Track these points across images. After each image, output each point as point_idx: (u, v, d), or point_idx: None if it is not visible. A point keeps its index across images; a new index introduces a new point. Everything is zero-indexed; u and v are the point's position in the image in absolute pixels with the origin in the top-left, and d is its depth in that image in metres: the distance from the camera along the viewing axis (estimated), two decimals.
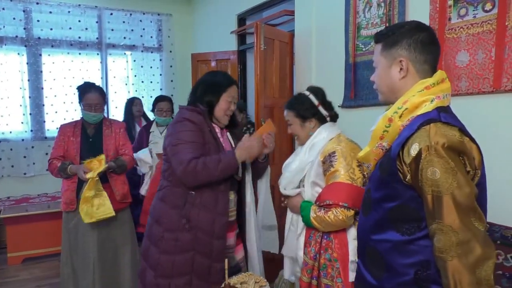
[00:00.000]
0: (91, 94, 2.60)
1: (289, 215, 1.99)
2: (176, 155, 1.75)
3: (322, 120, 1.88)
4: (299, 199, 1.87)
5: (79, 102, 2.65)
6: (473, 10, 1.95)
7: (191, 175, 1.72)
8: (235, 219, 1.99)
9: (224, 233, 1.85)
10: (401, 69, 1.22)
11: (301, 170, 1.87)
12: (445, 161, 1.06)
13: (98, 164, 2.51)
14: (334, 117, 1.92)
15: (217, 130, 1.92)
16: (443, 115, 1.14)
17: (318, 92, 1.92)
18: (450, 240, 1.04)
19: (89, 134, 2.68)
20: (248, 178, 2.02)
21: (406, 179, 1.14)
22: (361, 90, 2.61)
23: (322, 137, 1.84)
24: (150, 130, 3.57)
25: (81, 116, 2.69)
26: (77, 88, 2.67)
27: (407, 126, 1.16)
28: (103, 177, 2.57)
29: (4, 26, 4.27)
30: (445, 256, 1.05)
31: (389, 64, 1.24)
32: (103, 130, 2.71)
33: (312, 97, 1.88)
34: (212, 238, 1.80)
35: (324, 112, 1.88)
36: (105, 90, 4.64)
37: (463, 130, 1.14)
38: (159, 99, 3.58)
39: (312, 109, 1.86)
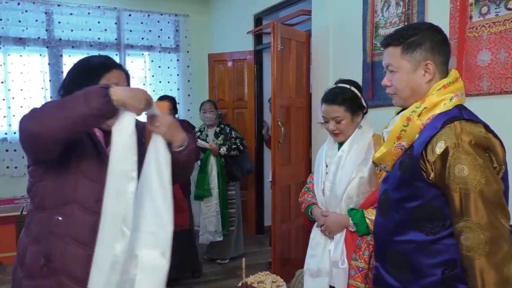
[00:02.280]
0: None
1: (316, 229, 1.91)
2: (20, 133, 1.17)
3: (364, 113, 1.84)
4: (338, 213, 1.79)
5: None
6: (495, 8, 1.91)
7: (28, 120, 1.14)
8: None
9: None
10: (425, 72, 1.21)
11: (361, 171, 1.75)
12: (473, 158, 1.06)
13: None
14: (367, 110, 1.89)
15: (98, 134, 1.35)
16: (465, 112, 1.15)
17: (356, 84, 1.87)
18: (478, 238, 1.04)
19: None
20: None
21: (430, 178, 1.13)
22: (379, 90, 2.59)
23: (369, 132, 1.80)
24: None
25: None
26: None
27: (428, 125, 1.16)
28: None
29: (27, 28, 4.37)
30: (472, 254, 1.05)
31: (414, 67, 1.22)
32: None
33: (354, 89, 1.82)
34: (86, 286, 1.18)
35: (364, 104, 1.84)
36: None
37: (486, 126, 1.14)
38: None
39: (359, 101, 1.80)
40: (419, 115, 1.18)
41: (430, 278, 1.16)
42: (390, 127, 1.28)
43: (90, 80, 1.28)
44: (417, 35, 1.21)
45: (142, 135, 1.30)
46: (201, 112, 3.85)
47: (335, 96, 1.79)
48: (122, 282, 1.14)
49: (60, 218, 1.25)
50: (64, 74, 4.31)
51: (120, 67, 1.46)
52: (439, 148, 1.10)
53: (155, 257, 1.16)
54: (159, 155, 1.20)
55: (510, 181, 1.20)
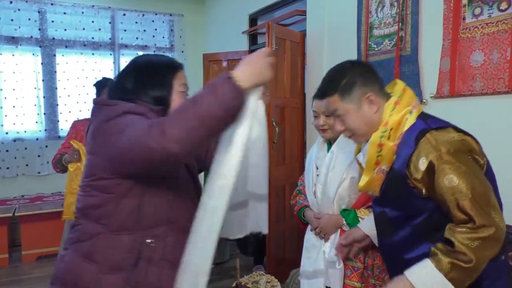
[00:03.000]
0: None
1: (310, 232, 1.91)
2: (125, 141, 1.02)
3: None
4: (331, 214, 1.79)
5: None
6: (488, 10, 1.92)
7: (163, 138, 0.95)
8: None
9: None
10: (370, 104, 1.24)
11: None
12: (457, 166, 1.09)
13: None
14: None
15: None
16: (430, 121, 1.18)
17: None
18: (490, 232, 1.07)
19: None
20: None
21: (423, 193, 1.16)
22: None
23: None
24: None
25: None
26: (94, 85, 2.60)
27: (401, 144, 1.19)
28: None
29: (19, 27, 4.33)
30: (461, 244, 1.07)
31: (358, 105, 1.25)
32: None
33: None
34: None
35: None
36: None
37: (455, 128, 1.17)
38: None
39: None
40: (388, 138, 1.21)
41: None
42: (364, 157, 1.30)
43: (163, 83, 1.20)
44: (346, 77, 1.26)
45: None
46: None
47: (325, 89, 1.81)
48: None
49: (151, 241, 1.12)
50: (58, 74, 4.14)
51: (183, 67, 1.32)
52: (422, 164, 1.12)
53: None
54: (261, 128, 1.11)
55: (503, 183, 1.22)
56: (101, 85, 2.57)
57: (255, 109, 1.06)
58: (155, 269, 1.12)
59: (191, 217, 1.10)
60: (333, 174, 1.77)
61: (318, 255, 1.83)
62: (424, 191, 1.15)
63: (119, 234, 1.12)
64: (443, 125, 1.17)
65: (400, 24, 2.37)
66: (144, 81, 1.20)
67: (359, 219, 1.69)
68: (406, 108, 1.21)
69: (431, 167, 1.11)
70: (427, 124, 1.16)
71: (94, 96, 2.62)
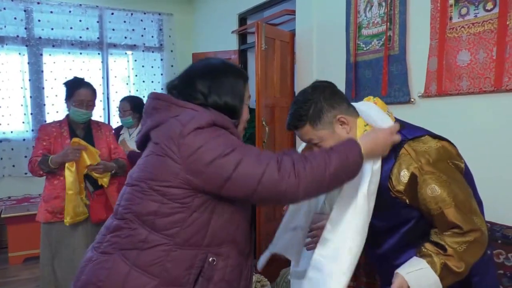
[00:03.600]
0: (84, 90, 2.38)
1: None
2: (244, 168, 1.02)
3: None
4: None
5: (67, 100, 2.42)
6: (474, 10, 1.94)
7: (293, 178, 1.01)
8: None
9: None
10: (342, 124, 1.23)
11: None
12: (437, 176, 1.12)
13: (92, 158, 2.30)
14: None
15: None
16: (404, 131, 1.19)
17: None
18: (476, 236, 1.10)
19: (78, 136, 2.42)
20: None
21: (408, 203, 1.18)
22: (362, 90, 2.61)
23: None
24: (120, 133, 3.32)
25: (66, 115, 2.47)
26: (64, 84, 2.45)
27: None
28: (96, 183, 2.38)
29: (5, 26, 4.26)
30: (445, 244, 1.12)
31: (331, 129, 1.24)
32: (93, 132, 2.49)
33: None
34: None
35: None
36: (106, 90, 4.72)
37: (431, 135, 1.19)
38: (123, 100, 3.27)
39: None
40: None
41: None
42: None
43: (237, 92, 1.19)
44: (312, 105, 1.23)
45: None
46: None
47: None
48: None
49: (214, 259, 1.09)
50: (45, 73, 3.98)
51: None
52: (404, 177, 1.15)
53: None
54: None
55: (488, 182, 1.24)
56: (72, 85, 2.42)
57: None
58: None
59: (249, 239, 1.15)
60: None
61: (309, 255, 1.83)
62: (407, 201, 1.17)
63: (183, 248, 1.06)
64: (418, 134, 1.19)
65: (388, 23, 2.39)
66: (220, 86, 1.17)
67: None
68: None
69: (413, 179, 1.14)
70: (403, 135, 1.17)
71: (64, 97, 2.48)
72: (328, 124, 1.23)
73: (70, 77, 2.55)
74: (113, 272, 1.07)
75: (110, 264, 1.08)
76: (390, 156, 1.17)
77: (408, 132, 1.19)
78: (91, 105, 2.43)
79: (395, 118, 1.27)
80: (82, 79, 2.50)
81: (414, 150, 1.14)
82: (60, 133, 2.41)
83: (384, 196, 1.19)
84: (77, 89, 2.39)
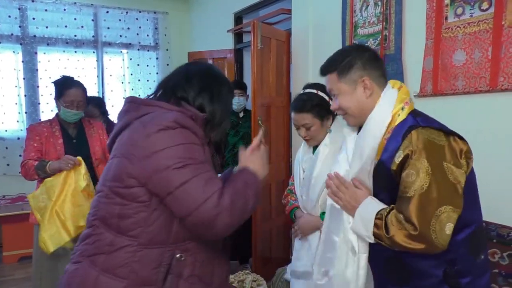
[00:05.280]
0: (74, 90, 2.33)
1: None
2: (188, 189, 1.03)
3: (334, 116, 1.81)
4: (311, 215, 1.81)
5: (57, 99, 2.37)
6: (470, 9, 1.95)
7: (227, 215, 1.04)
8: None
9: None
10: (365, 88, 1.27)
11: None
12: (423, 165, 1.12)
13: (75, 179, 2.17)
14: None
15: None
16: (419, 118, 1.20)
17: (323, 87, 1.87)
18: (406, 226, 1.11)
19: (71, 135, 2.39)
20: None
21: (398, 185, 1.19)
22: None
23: (340, 134, 1.80)
24: None
25: (56, 113, 2.42)
26: (54, 83, 2.38)
27: (390, 138, 1.21)
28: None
29: None
30: (392, 220, 1.15)
31: (353, 87, 1.29)
32: (85, 130, 2.45)
33: (321, 93, 1.81)
34: None
35: None
36: (101, 89, 4.69)
37: (442, 129, 1.18)
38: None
39: (327, 106, 1.77)
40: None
41: (432, 278, 1.20)
42: (343, 152, 1.35)
43: (229, 104, 1.29)
44: (347, 58, 1.29)
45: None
46: None
47: (302, 103, 1.79)
48: None
49: (181, 255, 1.09)
50: (39, 72, 3.92)
51: None
52: (398, 157, 1.16)
53: None
54: None
55: (484, 182, 1.24)
56: (62, 84, 2.36)
57: None
58: (185, 285, 1.09)
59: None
60: (316, 177, 1.78)
61: (308, 256, 1.83)
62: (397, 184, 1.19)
63: (148, 247, 1.06)
64: (431, 124, 1.18)
65: (384, 23, 2.39)
66: (215, 93, 1.21)
67: None
68: (399, 104, 1.24)
69: (404, 160, 1.15)
70: (416, 121, 1.19)
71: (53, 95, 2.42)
72: (352, 81, 1.28)
73: (82, 76, 2.51)
74: (83, 280, 1.07)
75: (80, 272, 1.08)
76: (398, 138, 1.18)
77: (422, 120, 1.20)
78: (81, 105, 2.38)
79: (414, 109, 1.26)
80: (72, 78, 2.44)
81: (419, 136, 1.15)
82: (52, 133, 2.36)
83: (387, 176, 1.20)
84: (67, 89, 2.33)
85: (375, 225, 1.17)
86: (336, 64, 1.31)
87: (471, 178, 1.20)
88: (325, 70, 1.34)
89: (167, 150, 1.04)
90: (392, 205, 1.19)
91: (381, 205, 1.21)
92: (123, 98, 4.34)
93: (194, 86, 1.19)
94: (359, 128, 1.32)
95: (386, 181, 1.21)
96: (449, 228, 1.09)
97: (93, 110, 3.00)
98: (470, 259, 1.19)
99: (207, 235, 1.07)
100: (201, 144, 1.12)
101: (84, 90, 2.42)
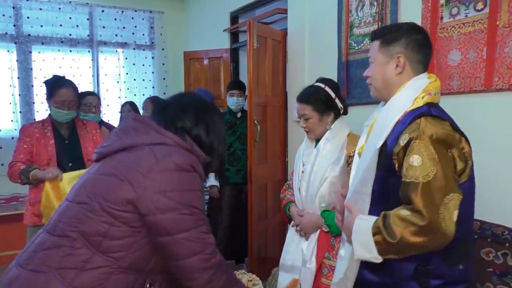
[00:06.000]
0: (64, 90, 2.29)
1: (292, 228, 1.93)
2: (189, 237, 1.08)
3: (337, 114, 1.84)
4: (312, 213, 1.81)
5: (48, 99, 2.34)
6: (465, 10, 1.96)
7: (212, 273, 1.11)
8: None
9: None
10: (397, 65, 1.27)
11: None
12: (429, 152, 1.11)
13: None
14: (346, 110, 1.90)
15: None
16: (433, 109, 1.20)
17: (333, 84, 1.87)
18: (413, 217, 1.09)
19: (63, 135, 2.36)
20: None
21: (397, 169, 1.18)
22: (353, 89, 2.62)
23: (344, 132, 1.81)
24: None
25: (49, 114, 2.39)
26: (45, 83, 2.35)
27: (400, 122, 1.21)
28: None
29: None
30: (395, 220, 1.11)
31: (387, 60, 1.29)
32: (78, 130, 2.41)
33: (328, 89, 1.82)
34: None
35: (340, 105, 1.84)
36: (96, 88, 4.67)
37: (453, 124, 1.19)
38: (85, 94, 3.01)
39: (330, 102, 1.80)
40: None
41: (404, 272, 1.20)
42: (370, 120, 1.34)
43: (223, 136, 1.30)
44: (395, 32, 1.29)
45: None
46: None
47: (306, 95, 1.83)
48: None
49: (151, 284, 1.11)
50: (34, 71, 3.86)
51: None
52: (403, 140, 1.15)
53: None
54: None
55: (479, 182, 1.24)
56: (52, 84, 2.33)
57: None
58: None
59: None
60: (316, 172, 1.78)
61: (297, 251, 1.85)
62: (397, 166, 1.18)
63: (126, 271, 1.06)
64: (443, 116, 1.19)
65: (380, 23, 2.40)
66: (212, 124, 1.23)
67: None
68: (422, 93, 1.24)
69: (408, 144, 1.14)
70: (430, 110, 1.18)
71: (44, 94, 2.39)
72: (389, 54, 1.29)
73: (72, 79, 2.47)
74: None
75: (42, 283, 1.02)
76: (406, 122, 1.17)
77: (435, 111, 1.20)
78: (73, 105, 2.34)
79: (434, 102, 1.25)
80: (62, 78, 2.40)
81: (426, 123, 1.14)
82: (43, 134, 2.32)
83: (387, 159, 1.20)
84: (57, 89, 2.29)
85: (376, 243, 1.12)
86: (383, 34, 1.31)
87: (470, 187, 1.19)
88: (373, 35, 1.36)
89: (179, 193, 1.07)
90: (384, 212, 1.16)
91: (371, 219, 1.17)
92: (118, 97, 4.35)
93: (190, 117, 1.21)
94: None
95: (385, 161, 1.21)
96: (455, 215, 1.08)
97: (148, 104, 3.35)
98: (444, 264, 1.18)
99: (186, 282, 1.10)
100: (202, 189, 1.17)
101: (75, 89, 2.38)
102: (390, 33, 1.30)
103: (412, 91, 1.24)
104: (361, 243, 1.16)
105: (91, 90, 4.61)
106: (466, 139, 1.20)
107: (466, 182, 1.19)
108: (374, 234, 1.13)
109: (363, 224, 1.18)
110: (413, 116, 1.17)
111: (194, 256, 1.07)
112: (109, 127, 3.28)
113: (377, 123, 1.28)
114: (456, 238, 1.12)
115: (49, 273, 1.03)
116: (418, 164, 1.10)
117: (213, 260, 1.10)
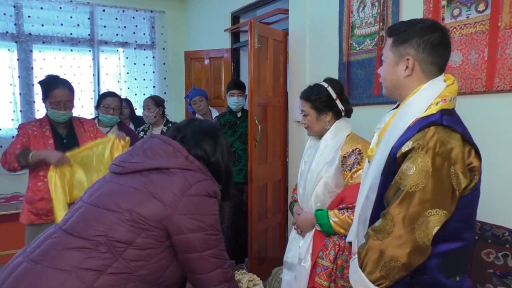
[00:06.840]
0: (59, 91, 2.27)
1: (293, 226, 1.96)
2: (213, 254, 1.24)
3: (337, 114, 1.84)
4: (308, 212, 1.83)
5: (44, 100, 2.33)
6: (466, 11, 1.96)
7: (228, 286, 1.28)
8: None
9: None
10: (407, 67, 1.22)
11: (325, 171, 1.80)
12: (425, 164, 1.08)
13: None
14: (349, 112, 1.90)
15: None
16: (445, 118, 1.14)
17: (336, 85, 1.87)
18: (386, 225, 1.10)
19: (61, 135, 2.36)
20: None
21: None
22: (354, 89, 2.62)
23: (344, 132, 1.81)
24: (145, 128, 3.51)
25: (46, 113, 2.39)
26: (40, 84, 2.33)
27: (410, 128, 1.17)
28: None
29: None
30: (370, 233, 1.13)
31: (396, 60, 1.24)
32: (75, 129, 2.41)
33: (330, 89, 1.83)
34: None
35: (340, 106, 1.84)
36: (97, 88, 4.67)
37: (464, 136, 1.13)
38: (106, 95, 3.01)
39: (330, 102, 1.81)
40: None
41: (400, 281, 1.17)
42: (381, 123, 1.30)
43: (230, 160, 1.43)
44: (407, 31, 1.22)
45: None
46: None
47: (308, 92, 1.86)
48: None
49: None
50: (35, 70, 3.85)
51: None
52: (405, 147, 1.12)
53: None
54: None
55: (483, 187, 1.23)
56: (47, 85, 2.30)
57: None
58: None
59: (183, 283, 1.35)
60: (313, 171, 1.79)
61: (297, 249, 1.87)
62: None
63: (143, 282, 1.14)
64: (455, 127, 1.12)
65: (381, 24, 2.40)
66: (225, 151, 1.39)
67: (330, 220, 1.71)
68: (437, 99, 1.17)
69: (409, 152, 1.11)
70: (441, 119, 1.13)
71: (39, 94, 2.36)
72: (399, 55, 1.23)
73: (73, 78, 2.49)
74: None
75: (61, 280, 1.07)
76: (415, 129, 1.13)
77: (447, 120, 1.13)
78: (69, 105, 2.33)
79: (449, 109, 1.18)
80: (57, 78, 2.37)
81: (434, 133, 1.09)
82: (42, 133, 2.31)
83: (390, 163, 1.17)
84: (52, 89, 2.27)
85: (363, 270, 1.13)
86: (396, 31, 1.24)
87: (474, 195, 1.16)
88: (389, 32, 1.28)
89: (208, 217, 1.23)
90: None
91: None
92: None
93: (208, 145, 1.36)
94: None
95: (389, 166, 1.18)
96: (435, 230, 1.08)
97: (149, 102, 3.38)
98: (441, 275, 1.15)
99: None
100: None
101: (70, 89, 2.36)
102: (403, 31, 1.22)
103: (427, 97, 1.18)
104: (355, 281, 1.17)
105: (92, 89, 4.63)
106: (477, 152, 1.14)
107: (468, 195, 1.15)
108: (360, 267, 1.15)
109: (353, 262, 1.19)
110: (423, 124, 1.12)
111: (216, 270, 1.23)
112: (129, 131, 3.13)
113: (389, 130, 1.23)
114: (460, 248, 1.11)
115: (71, 271, 1.08)
116: (411, 173, 1.08)
117: (230, 273, 1.27)
